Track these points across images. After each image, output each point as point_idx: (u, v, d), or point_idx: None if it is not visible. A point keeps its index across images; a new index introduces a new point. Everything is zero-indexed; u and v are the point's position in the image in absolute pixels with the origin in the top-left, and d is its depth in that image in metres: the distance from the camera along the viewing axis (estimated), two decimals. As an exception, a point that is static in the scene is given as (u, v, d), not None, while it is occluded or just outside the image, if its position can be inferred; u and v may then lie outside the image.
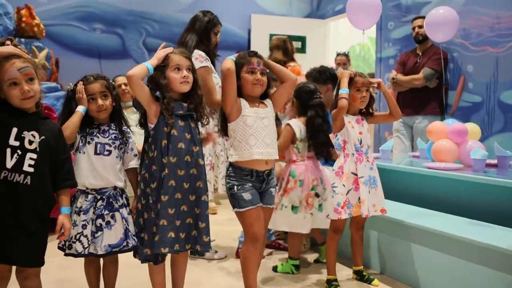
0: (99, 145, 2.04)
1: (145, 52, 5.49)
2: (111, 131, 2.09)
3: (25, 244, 1.68)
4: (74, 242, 1.97)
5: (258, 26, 6.01)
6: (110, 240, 2.00)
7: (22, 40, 4.02)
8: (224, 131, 2.21)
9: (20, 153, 1.66)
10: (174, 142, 1.95)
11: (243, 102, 2.14)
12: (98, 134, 2.05)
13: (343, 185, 2.42)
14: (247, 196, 2.12)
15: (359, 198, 2.41)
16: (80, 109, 2.01)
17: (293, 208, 2.62)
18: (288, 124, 2.65)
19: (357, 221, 2.55)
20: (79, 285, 2.37)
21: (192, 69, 2.03)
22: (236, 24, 5.87)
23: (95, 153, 2.03)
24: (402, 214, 2.70)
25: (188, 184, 1.97)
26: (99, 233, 1.99)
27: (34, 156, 1.69)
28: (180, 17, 5.27)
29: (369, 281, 2.58)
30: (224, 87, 2.11)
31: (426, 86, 4.16)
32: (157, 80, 1.97)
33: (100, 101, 2.03)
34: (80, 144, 2.03)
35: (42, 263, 1.75)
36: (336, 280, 2.53)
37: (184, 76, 1.97)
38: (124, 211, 2.06)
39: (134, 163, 2.13)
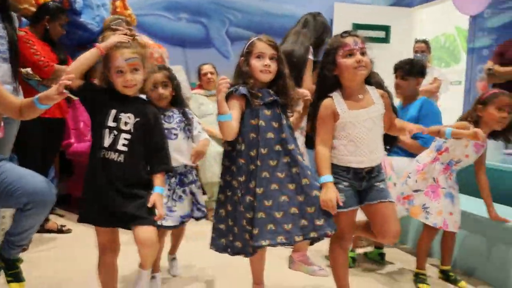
0: (166, 131, 2.11)
1: (227, 42, 5.43)
2: (175, 116, 2.26)
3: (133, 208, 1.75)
4: None
5: (341, 15, 5.77)
6: (182, 212, 2.21)
7: (116, 29, 4.19)
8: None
9: (116, 133, 1.76)
10: (263, 133, 1.87)
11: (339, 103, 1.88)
12: (163, 121, 2.16)
13: (415, 181, 2.35)
14: (341, 198, 1.88)
15: (424, 205, 2.32)
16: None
17: None
18: None
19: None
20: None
21: (278, 59, 1.92)
22: (318, 13, 5.68)
23: None
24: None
25: (283, 173, 1.87)
26: (175, 208, 2.19)
27: (128, 136, 1.78)
28: (262, 6, 5.13)
29: (456, 282, 2.44)
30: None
31: (527, 78, 3.71)
32: (240, 67, 1.93)
33: (161, 90, 2.20)
34: None
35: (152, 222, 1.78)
36: (424, 274, 2.44)
37: (265, 65, 1.88)
38: (193, 187, 2.29)
39: (203, 136, 2.34)
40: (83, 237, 3.01)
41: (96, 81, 1.82)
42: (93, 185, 1.77)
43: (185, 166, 2.26)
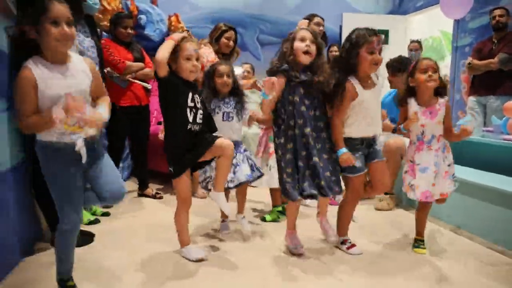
0: (225, 114, 2.31)
1: (258, 46, 5.79)
2: (231, 102, 2.34)
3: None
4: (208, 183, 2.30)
5: (348, 22, 5.92)
6: (246, 171, 2.23)
7: (172, 39, 4.36)
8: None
9: (194, 111, 1.92)
10: (298, 107, 1.95)
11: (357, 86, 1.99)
12: (222, 106, 2.32)
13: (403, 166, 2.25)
14: (357, 164, 2.00)
15: (409, 183, 2.10)
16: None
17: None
18: None
19: (423, 203, 2.19)
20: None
21: (316, 43, 1.94)
22: (330, 21, 5.78)
23: (223, 119, 2.31)
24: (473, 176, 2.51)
25: (314, 141, 1.99)
26: (237, 168, 2.22)
27: (201, 111, 1.96)
28: (287, 18, 5.50)
29: (419, 248, 2.23)
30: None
31: (500, 69, 3.75)
32: (284, 50, 1.96)
33: (226, 78, 2.30)
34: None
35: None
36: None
37: (307, 45, 1.93)
38: (248, 153, 2.34)
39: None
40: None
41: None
42: (183, 148, 1.90)
43: (236, 141, 2.25)
